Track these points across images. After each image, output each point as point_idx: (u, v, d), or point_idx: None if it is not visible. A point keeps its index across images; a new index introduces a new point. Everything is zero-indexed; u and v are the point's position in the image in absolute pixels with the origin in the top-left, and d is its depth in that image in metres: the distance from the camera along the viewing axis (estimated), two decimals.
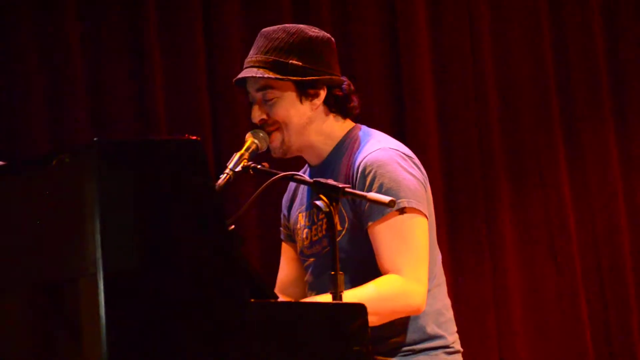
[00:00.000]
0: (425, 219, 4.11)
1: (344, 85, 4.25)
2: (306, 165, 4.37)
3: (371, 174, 4.08)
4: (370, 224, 4.07)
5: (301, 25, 4.24)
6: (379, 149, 4.16)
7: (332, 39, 4.27)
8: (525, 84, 6.48)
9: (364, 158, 4.13)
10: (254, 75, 4.15)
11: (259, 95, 4.19)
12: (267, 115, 4.18)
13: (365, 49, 6.45)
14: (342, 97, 4.25)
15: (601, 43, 6.48)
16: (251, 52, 4.21)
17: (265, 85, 4.18)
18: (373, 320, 3.48)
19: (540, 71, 6.47)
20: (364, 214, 4.09)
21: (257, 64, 4.17)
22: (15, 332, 3.32)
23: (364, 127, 4.30)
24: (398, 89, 6.46)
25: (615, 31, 6.51)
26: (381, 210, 4.02)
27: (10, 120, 6.27)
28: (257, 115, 4.19)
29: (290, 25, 4.25)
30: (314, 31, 4.23)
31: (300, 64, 4.16)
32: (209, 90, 6.33)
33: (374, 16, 6.48)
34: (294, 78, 4.16)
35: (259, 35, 4.23)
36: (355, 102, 4.29)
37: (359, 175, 4.10)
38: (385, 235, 4.06)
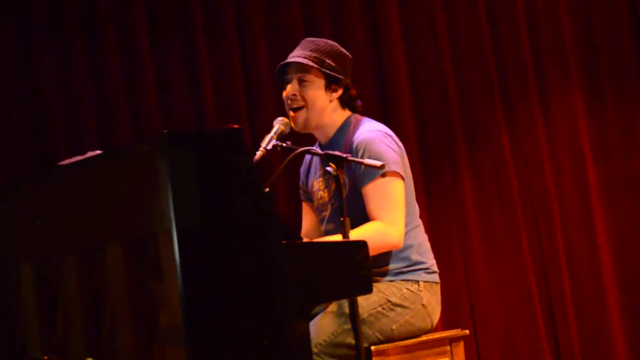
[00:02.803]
0: (401, 179, 4.13)
1: (353, 91, 4.30)
2: (317, 142, 4.38)
3: (362, 149, 4.11)
4: (362, 186, 4.10)
5: (335, 43, 4.31)
6: (368, 130, 4.19)
7: (351, 58, 4.32)
8: (475, 78, 6.45)
9: (356, 138, 4.16)
10: (300, 61, 4.20)
11: (297, 76, 4.23)
12: (299, 92, 4.21)
13: (356, 61, 6.43)
14: (353, 97, 4.31)
15: (528, 51, 6.45)
16: (297, 49, 4.28)
17: (304, 70, 4.22)
18: None
19: (484, 68, 6.44)
20: (358, 178, 4.11)
21: (303, 56, 4.22)
22: (116, 278, 3.32)
23: (358, 116, 4.32)
24: (381, 85, 6.44)
25: (537, 35, 6.49)
26: (369, 174, 4.06)
27: (105, 117, 6.28)
28: (291, 90, 4.23)
29: (329, 40, 4.32)
30: (344, 49, 4.30)
31: (334, 64, 4.22)
32: (245, 91, 6.31)
33: (363, 40, 6.46)
34: (327, 72, 4.21)
35: (304, 41, 4.31)
36: (359, 103, 4.35)
37: (354, 150, 4.12)
38: (371, 192, 4.08)
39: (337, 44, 4.30)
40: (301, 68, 4.21)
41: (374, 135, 4.15)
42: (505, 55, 6.46)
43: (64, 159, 5.43)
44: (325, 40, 4.30)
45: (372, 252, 3.93)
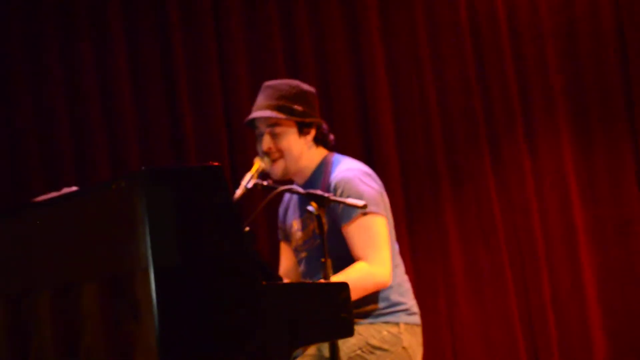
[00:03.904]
0: (383, 218, 4.11)
1: (324, 126, 4.27)
2: (295, 183, 4.35)
3: (340, 189, 4.09)
4: (343, 225, 4.08)
5: (297, 81, 4.29)
6: (347, 169, 4.18)
7: (315, 91, 4.29)
8: (460, 117, 6.46)
9: (334, 177, 4.14)
10: (269, 115, 4.16)
11: (268, 129, 4.19)
12: (274, 145, 4.18)
13: (340, 96, 6.44)
14: (326, 133, 4.28)
15: (514, 84, 6.47)
16: (260, 98, 4.22)
17: (275, 123, 4.17)
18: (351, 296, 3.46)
19: (470, 107, 6.45)
20: (338, 218, 4.09)
21: (269, 107, 4.17)
22: (91, 317, 3.29)
23: (335, 154, 4.31)
24: (365, 121, 6.44)
25: (525, 74, 6.51)
26: (350, 213, 4.04)
27: (79, 147, 6.25)
28: (266, 144, 4.19)
29: (289, 80, 4.30)
30: (306, 86, 4.27)
31: (302, 109, 4.18)
32: (226, 128, 6.31)
33: (346, 72, 6.46)
34: (298, 119, 4.17)
35: (265, 87, 4.23)
36: (332, 137, 4.33)
37: (332, 189, 4.11)
38: (354, 233, 4.06)
39: (298, 83, 4.26)
40: (271, 121, 4.18)
41: (352, 174, 4.14)
42: (491, 94, 6.47)
43: (37, 186, 5.37)
44: (287, 82, 4.26)
45: (361, 294, 3.95)
